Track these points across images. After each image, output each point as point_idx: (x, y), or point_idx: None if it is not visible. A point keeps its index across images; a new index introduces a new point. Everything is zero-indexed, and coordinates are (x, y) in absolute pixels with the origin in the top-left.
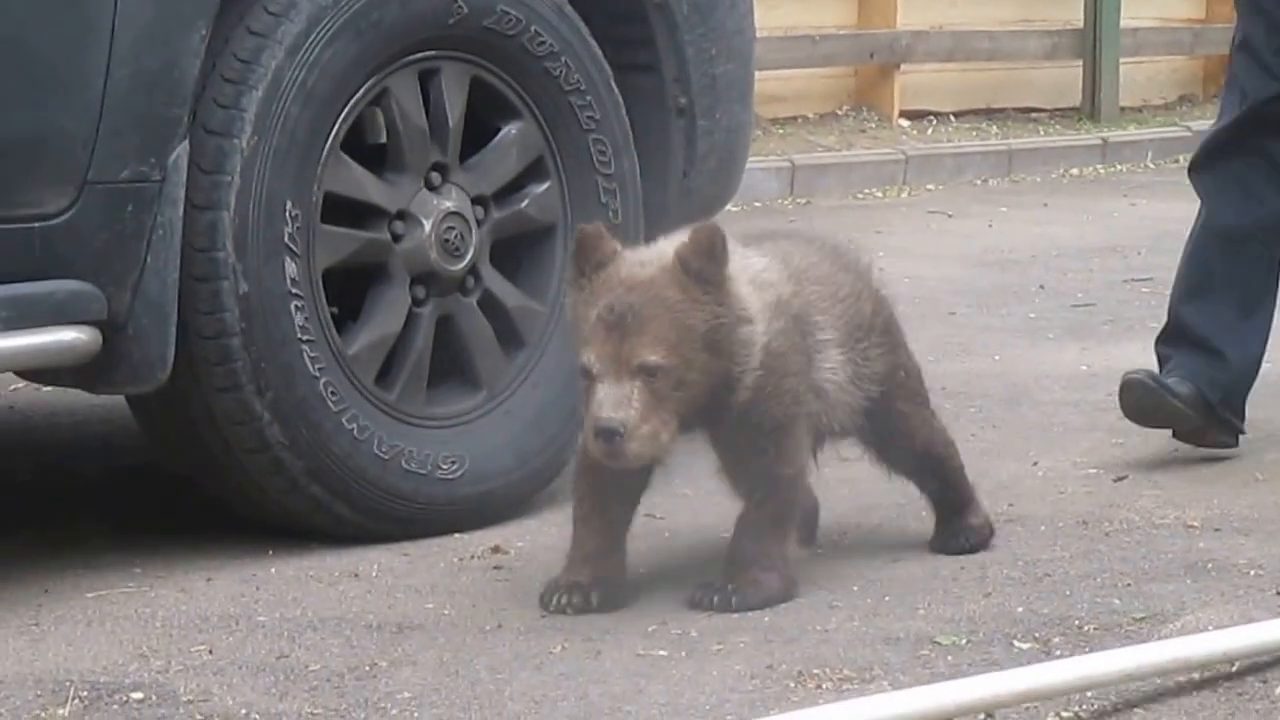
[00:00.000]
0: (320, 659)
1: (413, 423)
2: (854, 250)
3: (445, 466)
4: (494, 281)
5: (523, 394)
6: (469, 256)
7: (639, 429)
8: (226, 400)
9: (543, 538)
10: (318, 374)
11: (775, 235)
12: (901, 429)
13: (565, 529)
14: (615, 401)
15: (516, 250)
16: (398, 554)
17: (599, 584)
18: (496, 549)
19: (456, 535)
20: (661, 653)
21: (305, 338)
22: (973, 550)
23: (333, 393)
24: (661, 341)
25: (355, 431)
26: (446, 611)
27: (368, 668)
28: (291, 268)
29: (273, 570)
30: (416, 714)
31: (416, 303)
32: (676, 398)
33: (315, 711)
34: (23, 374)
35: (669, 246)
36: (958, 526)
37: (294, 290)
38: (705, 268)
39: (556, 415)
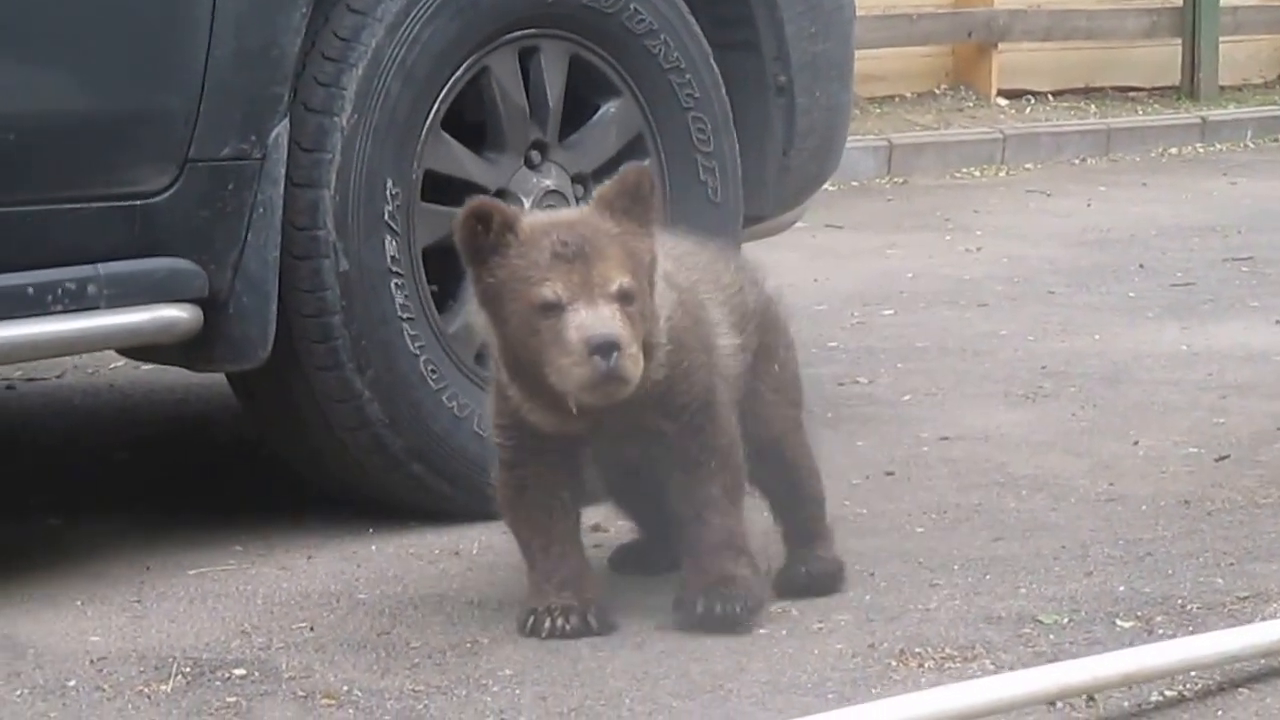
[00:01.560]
0: (421, 636)
1: None
2: (728, 250)
3: None
4: None
5: None
6: None
7: (630, 347)
8: (327, 378)
9: None
10: (418, 352)
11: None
12: (764, 416)
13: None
14: (600, 320)
15: None
16: (498, 531)
17: (591, 605)
18: (596, 527)
19: None
20: (762, 631)
21: (405, 315)
22: (817, 586)
23: (433, 371)
24: (625, 266)
25: (455, 409)
26: None
27: (469, 645)
28: (392, 245)
29: (373, 548)
30: (518, 691)
31: None
32: (641, 325)
33: (417, 688)
34: (123, 351)
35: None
36: (805, 555)
37: (394, 268)
38: (633, 207)
39: None
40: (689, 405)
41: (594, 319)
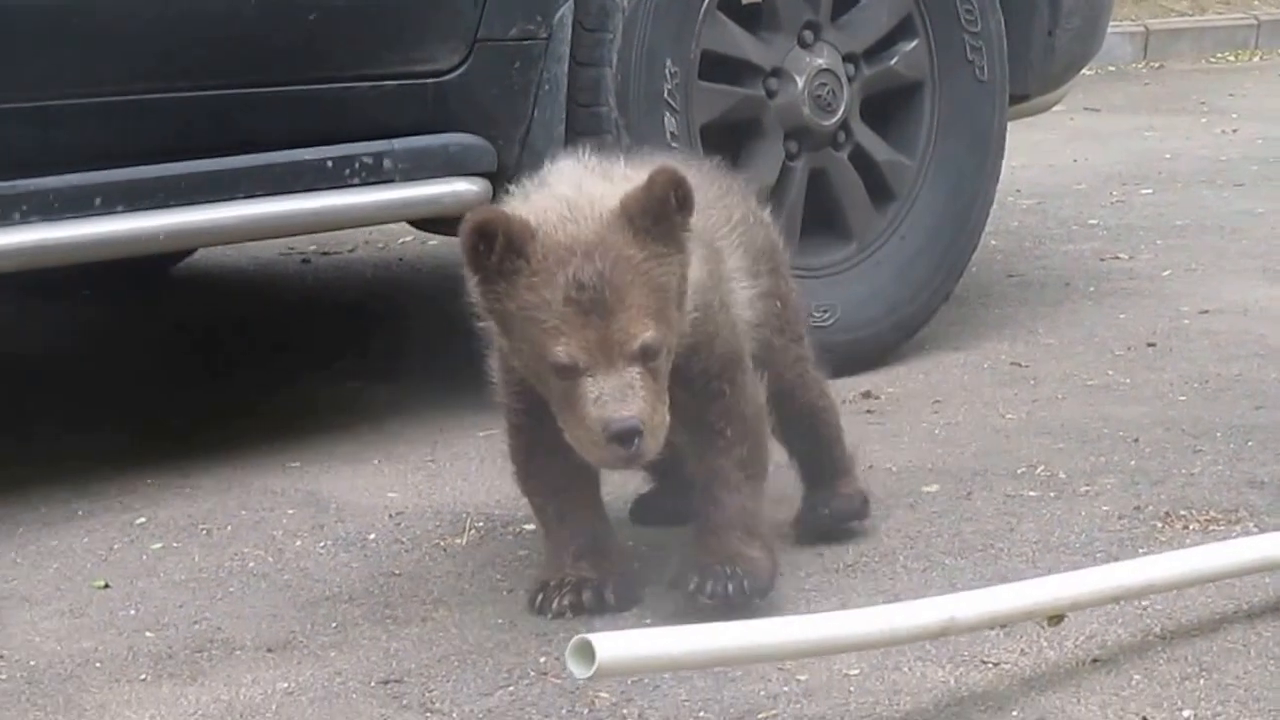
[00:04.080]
0: None
1: None
2: (728, 172)
3: (818, 315)
4: (864, 136)
5: (891, 245)
6: (840, 112)
7: (652, 421)
8: None
9: (910, 384)
10: None
11: (649, 155)
12: (774, 361)
13: (932, 377)
14: (619, 395)
15: (886, 106)
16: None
17: (610, 578)
18: (867, 394)
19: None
20: (1031, 494)
21: None
22: (839, 524)
23: None
24: (648, 310)
25: None
26: None
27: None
28: (671, 122)
29: None
30: (794, 548)
31: (790, 157)
32: (665, 372)
33: None
34: (415, 224)
35: (584, 183)
36: (826, 496)
37: (673, 144)
38: (655, 226)
39: (924, 266)
40: (709, 371)
41: (613, 393)
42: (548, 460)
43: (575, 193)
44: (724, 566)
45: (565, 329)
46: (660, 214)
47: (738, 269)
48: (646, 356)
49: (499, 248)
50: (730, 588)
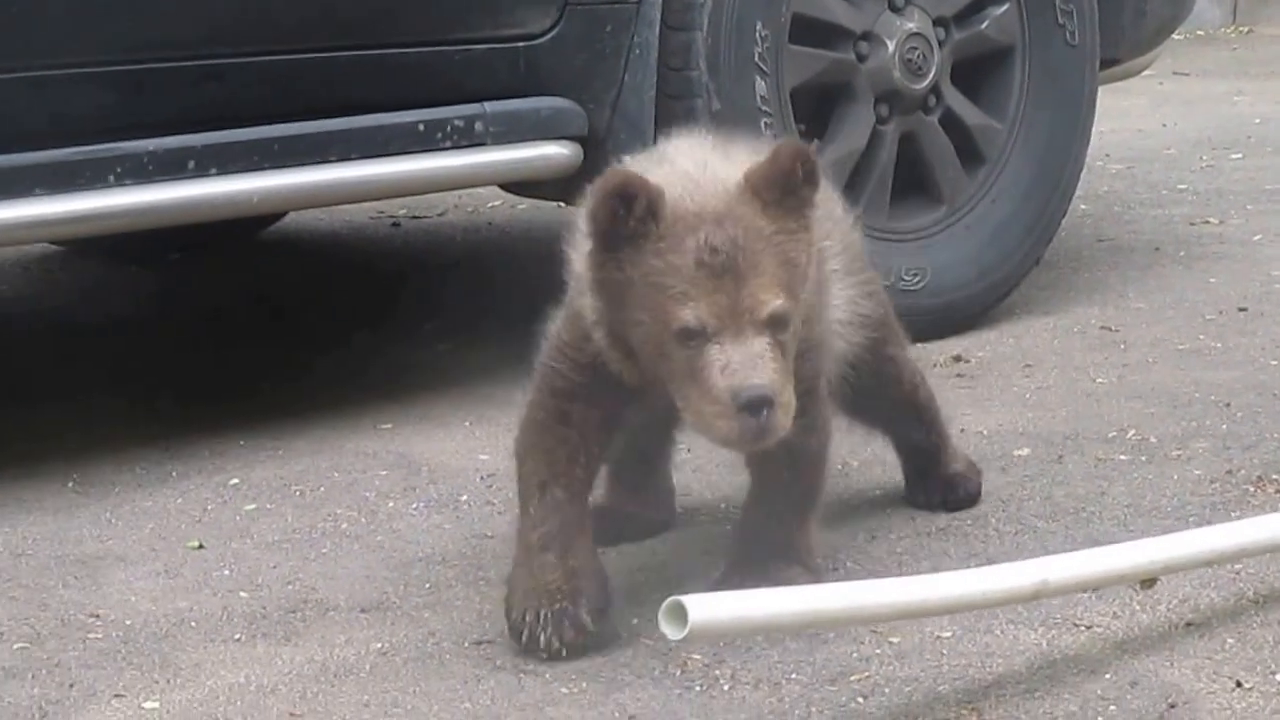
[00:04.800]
0: None
1: (876, 236)
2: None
3: (907, 278)
4: (955, 100)
5: (982, 209)
6: (931, 76)
7: (783, 395)
8: None
9: (1001, 348)
10: None
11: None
12: (892, 376)
13: (1023, 341)
14: (749, 363)
15: (976, 70)
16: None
17: (587, 600)
18: (958, 358)
19: (918, 344)
20: (1122, 458)
21: None
22: (972, 501)
23: None
24: (779, 280)
25: None
26: None
27: (856, 464)
28: (761, 86)
29: None
30: (888, 510)
31: (880, 120)
32: (792, 352)
33: None
34: (505, 187)
35: (709, 161)
36: (946, 476)
37: (763, 108)
38: (785, 199)
39: (1014, 230)
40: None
41: (743, 361)
42: (564, 434)
43: (698, 169)
44: (741, 578)
45: (695, 293)
46: (787, 186)
47: (838, 270)
48: (776, 326)
49: (639, 211)
50: None
